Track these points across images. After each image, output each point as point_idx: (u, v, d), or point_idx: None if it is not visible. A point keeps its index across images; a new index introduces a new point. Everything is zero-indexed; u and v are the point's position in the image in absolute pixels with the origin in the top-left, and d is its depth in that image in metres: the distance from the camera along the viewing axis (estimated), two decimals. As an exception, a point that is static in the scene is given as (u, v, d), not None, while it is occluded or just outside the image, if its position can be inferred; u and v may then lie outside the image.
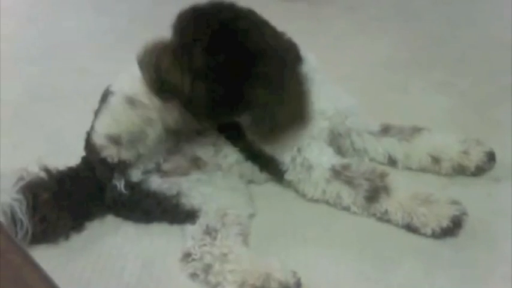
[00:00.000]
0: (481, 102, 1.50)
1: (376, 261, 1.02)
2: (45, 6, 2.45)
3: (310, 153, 1.15)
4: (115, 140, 1.06)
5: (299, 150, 1.15)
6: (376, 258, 1.03)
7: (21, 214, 1.06)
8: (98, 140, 1.08)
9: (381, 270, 1.01)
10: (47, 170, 1.15)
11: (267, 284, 0.93)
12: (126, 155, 1.08)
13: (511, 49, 1.75)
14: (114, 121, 1.07)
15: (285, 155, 1.15)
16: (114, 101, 1.09)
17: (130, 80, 1.07)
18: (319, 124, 1.17)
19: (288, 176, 1.18)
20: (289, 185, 1.20)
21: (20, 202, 1.07)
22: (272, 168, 1.20)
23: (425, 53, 1.84)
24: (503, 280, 0.97)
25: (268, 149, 1.16)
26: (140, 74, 1.03)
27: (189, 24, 1.03)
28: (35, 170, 1.15)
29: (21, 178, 1.11)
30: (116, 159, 1.09)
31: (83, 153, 1.22)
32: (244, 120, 1.10)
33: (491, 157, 1.20)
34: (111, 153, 1.08)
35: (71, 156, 1.22)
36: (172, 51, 1.02)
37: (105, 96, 1.18)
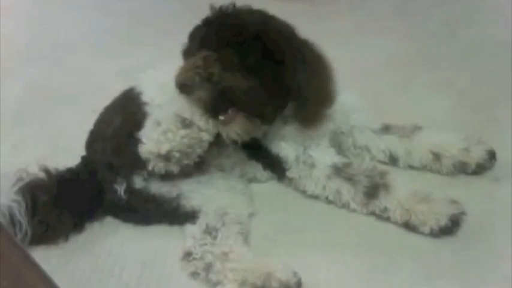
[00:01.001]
0: (481, 102, 1.50)
1: (376, 261, 1.02)
2: (45, 6, 2.45)
3: (315, 151, 1.16)
4: (165, 157, 1.05)
5: (305, 148, 1.16)
6: (376, 259, 1.03)
7: (20, 216, 1.05)
8: (147, 154, 1.06)
9: (381, 270, 1.00)
10: (46, 171, 1.15)
11: (267, 283, 0.93)
12: (171, 168, 1.07)
13: (511, 49, 1.75)
14: (167, 140, 1.05)
15: (291, 153, 1.16)
16: (165, 117, 1.07)
17: (180, 101, 1.06)
18: (326, 125, 1.18)
19: (290, 174, 1.18)
20: (290, 183, 1.20)
21: (18, 204, 1.06)
22: (275, 166, 1.20)
23: (425, 53, 1.84)
24: (504, 280, 0.97)
25: (275, 148, 1.17)
26: (185, 94, 1.03)
27: (217, 30, 1.06)
28: (34, 170, 1.15)
29: (20, 179, 1.11)
30: (162, 171, 1.08)
31: (83, 153, 1.22)
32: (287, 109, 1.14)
33: (492, 155, 1.20)
34: (158, 167, 1.07)
35: (71, 156, 1.21)
36: (215, 60, 1.03)
37: (131, 100, 1.18)
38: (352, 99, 1.26)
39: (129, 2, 2.42)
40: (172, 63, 1.08)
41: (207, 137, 1.07)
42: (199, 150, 1.07)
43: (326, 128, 1.19)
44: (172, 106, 1.08)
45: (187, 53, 1.10)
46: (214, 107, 1.04)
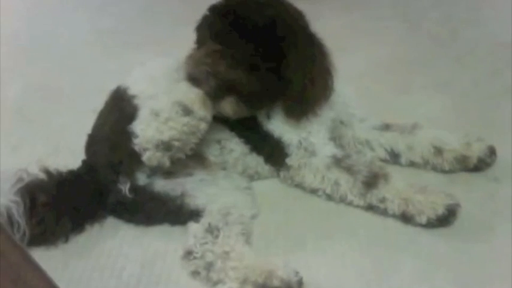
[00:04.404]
0: (481, 102, 1.50)
1: (377, 261, 1.02)
2: (45, 6, 2.45)
3: (316, 138, 1.17)
4: (165, 146, 1.04)
5: (308, 134, 1.17)
6: (377, 259, 1.03)
7: (18, 216, 1.05)
8: (145, 143, 1.05)
9: (382, 270, 1.00)
10: (46, 172, 1.15)
11: (269, 282, 0.93)
12: (165, 160, 1.06)
13: (511, 49, 1.75)
14: (169, 128, 1.05)
15: (294, 137, 1.17)
16: (164, 107, 1.07)
17: (183, 88, 1.09)
18: (326, 113, 1.20)
19: (290, 161, 1.18)
20: (288, 176, 1.20)
21: (17, 204, 1.06)
22: (277, 154, 1.20)
23: (425, 53, 1.84)
24: (503, 280, 0.97)
25: (278, 131, 1.18)
26: (194, 86, 1.08)
27: (223, 25, 1.10)
28: (34, 171, 1.14)
29: (20, 179, 1.10)
30: (155, 163, 1.06)
31: (83, 154, 1.22)
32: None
33: (492, 151, 1.21)
34: (154, 157, 1.05)
35: (71, 156, 1.21)
36: (224, 55, 1.08)
37: (120, 97, 1.18)
38: (349, 93, 1.28)
39: (129, 2, 2.43)
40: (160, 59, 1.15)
41: (203, 126, 1.08)
42: (193, 141, 1.08)
43: (326, 117, 1.20)
44: (171, 96, 1.08)
45: (200, 42, 1.14)
46: (216, 96, 1.09)
